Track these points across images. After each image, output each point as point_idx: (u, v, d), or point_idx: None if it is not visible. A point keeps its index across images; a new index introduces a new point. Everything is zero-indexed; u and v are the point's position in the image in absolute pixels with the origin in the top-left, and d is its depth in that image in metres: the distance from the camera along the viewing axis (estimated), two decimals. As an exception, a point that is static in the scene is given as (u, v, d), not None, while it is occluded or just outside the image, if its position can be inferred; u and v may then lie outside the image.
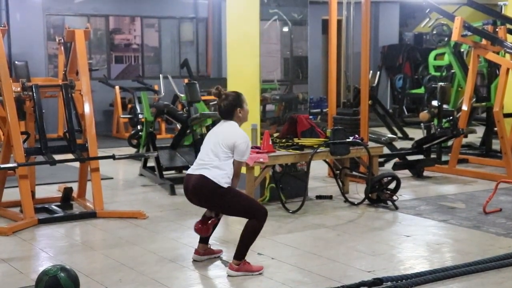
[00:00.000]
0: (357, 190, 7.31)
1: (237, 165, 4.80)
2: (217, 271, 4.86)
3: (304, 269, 4.85)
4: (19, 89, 6.68)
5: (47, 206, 6.80)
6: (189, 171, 4.84)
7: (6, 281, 4.62)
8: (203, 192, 4.71)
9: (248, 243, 4.73)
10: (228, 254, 5.13)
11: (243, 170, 6.58)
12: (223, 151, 4.73)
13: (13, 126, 6.36)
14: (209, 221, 4.94)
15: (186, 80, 11.89)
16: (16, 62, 11.54)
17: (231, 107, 4.83)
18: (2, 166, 6.40)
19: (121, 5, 14.90)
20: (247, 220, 4.74)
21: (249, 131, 6.89)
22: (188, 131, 8.91)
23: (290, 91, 8.03)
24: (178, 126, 9.64)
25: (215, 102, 13.49)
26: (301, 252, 5.31)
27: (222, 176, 4.69)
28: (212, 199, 4.72)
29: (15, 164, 6.24)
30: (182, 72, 14.66)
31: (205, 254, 5.08)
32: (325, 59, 14.74)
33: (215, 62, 15.78)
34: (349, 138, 7.01)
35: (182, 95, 10.54)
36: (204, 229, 4.94)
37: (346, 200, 7.08)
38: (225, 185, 4.69)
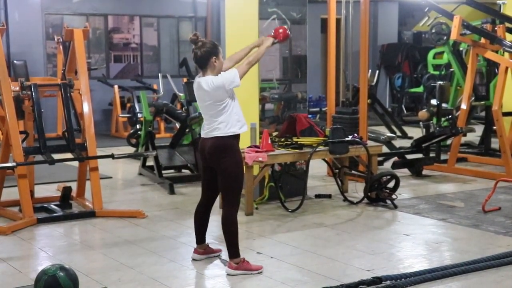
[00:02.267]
0: (356, 189, 7.32)
1: (241, 70, 4.84)
2: (216, 270, 4.86)
3: (303, 268, 4.85)
4: (18, 88, 6.67)
5: (46, 205, 6.79)
6: (202, 135, 4.90)
7: (5, 281, 4.62)
8: (218, 152, 4.73)
9: (233, 239, 4.75)
10: (227, 253, 5.13)
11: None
12: (217, 106, 4.73)
13: (12, 125, 6.35)
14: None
15: (185, 79, 11.87)
16: (15, 61, 11.52)
17: (207, 55, 4.77)
18: (1, 165, 6.40)
19: (120, 4, 14.89)
20: (221, 213, 4.80)
21: (248, 130, 6.88)
22: (187, 130, 8.91)
23: (289, 90, 8.02)
24: (177, 125, 9.64)
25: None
26: (300, 251, 5.31)
27: (232, 125, 4.74)
28: (225, 156, 4.72)
29: (14, 164, 6.24)
30: (181, 71, 14.65)
31: (204, 253, 5.08)
32: (324, 58, 14.73)
33: (214, 61, 15.74)
34: (348, 137, 7.01)
35: (181, 94, 10.55)
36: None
37: (345, 199, 7.08)
38: (238, 131, 4.75)
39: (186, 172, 8.91)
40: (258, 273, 4.71)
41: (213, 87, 4.69)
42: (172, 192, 7.64)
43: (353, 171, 7.71)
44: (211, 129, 4.78)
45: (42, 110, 6.81)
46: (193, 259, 5.05)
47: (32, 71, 11.63)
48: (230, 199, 4.77)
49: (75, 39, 6.92)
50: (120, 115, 13.25)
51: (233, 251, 4.73)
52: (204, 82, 4.74)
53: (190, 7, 15.70)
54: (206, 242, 5.15)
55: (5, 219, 6.37)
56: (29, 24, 13.45)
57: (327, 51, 8.74)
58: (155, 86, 13.64)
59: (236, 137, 4.80)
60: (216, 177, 4.85)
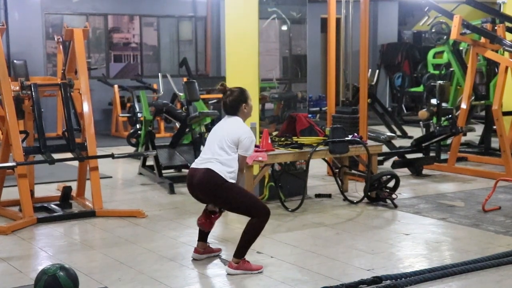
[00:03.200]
0: (356, 189, 7.32)
1: (241, 159, 4.83)
2: (216, 269, 4.86)
3: (303, 267, 4.85)
4: (18, 88, 6.67)
5: (46, 205, 6.79)
6: (193, 166, 4.84)
7: (6, 280, 4.62)
8: (208, 186, 4.70)
9: (249, 242, 4.73)
10: (227, 252, 5.14)
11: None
12: (228, 146, 4.74)
13: (12, 125, 6.35)
14: (213, 216, 4.95)
15: (185, 79, 11.88)
16: (15, 61, 11.53)
17: (236, 103, 4.86)
18: (1, 165, 6.39)
19: (120, 4, 14.89)
20: (248, 218, 4.74)
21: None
22: (187, 130, 8.91)
23: (289, 89, 8.04)
24: (177, 125, 9.64)
25: (214, 100, 13.58)
26: (300, 251, 5.31)
27: (228, 171, 4.70)
28: (216, 194, 4.71)
29: (14, 163, 6.23)
30: (181, 71, 14.66)
31: (204, 252, 5.08)
32: (324, 57, 14.72)
33: (214, 60, 15.77)
34: (348, 137, 7.01)
35: (181, 94, 10.54)
36: (207, 223, 4.97)
37: (345, 199, 7.08)
38: (231, 180, 4.70)
39: (186, 171, 8.90)
40: (259, 272, 4.71)
41: (237, 133, 4.76)
42: (172, 191, 7.64)
43: (353, 171, 7.71)
44: (205, 160, 4.74)
45: (42, 110, 6.82)
46: (193, 259, 5.05)
47: (32, 71, 11.65)
48: (251, 212, 4.73)
49: (75, 38, 6.92)
50: (120, 115, 13.25)
51: (242, 252, 4.72)
52: (235, 121, 4.84)
53: (190, 6, 15.70)
54: (207, 242, 5.15)
55: (5, 219, 6.37)
56: (29, 24, 13.46)
57: (327, 50, 8.73)
58: (155, 86, 13.64)
59: (225, 181, 4.70)
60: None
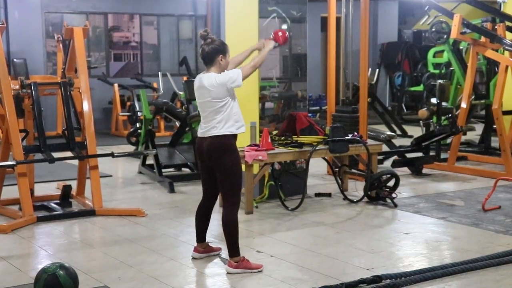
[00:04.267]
0: (356, 188, 7.32)
1: (245, 71, 4.84)
2: (216, 268, 4.86)
3: (303, 266, 4.85)
4: (17, 87, 6.67)
5: (46, 204, 6.79)
6: (199, 135, 4.89)
7: (5, 279, 4.62)
8: (217, 150, 4.73)
9: (234, 238, 4.75)
10: (228, 252, 5.12)
11: (242, 167, 6.59)
12: (217, 104, 4.72)
13: (11, 124, 6.35)
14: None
15: (185, 78, 11.87)
16: (15, 59, 11.54)
17: (214, 52, 4.78)
18: (1, 164, 6.39)
19: (120, 3, 14.88)
20: (222, 212, 4.80)
21: (248, 128, 6.89)
22: (187, 128, 8.91)
23: (289, 88, 8.02)
24: (177, 123, 9.64)
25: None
26: (300, 250, 5.31)
27: (230, 125, 4.73)
28: (223, 158, 4.72)
29: (14, 162, 6.23)
30: (181, 69, 14.66)
31: (204, 252, 5.08)
32: (324, 56, 14.73)
33: (214, 59, 15.74)
34: (348, 136, 7.01)
35: (181, 93, 10.54)
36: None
37: (345, 198, 7.08)
38: (236, 131, 4.74)
39: (186, 170, 8.91)
40: (258, 271, 4.71)
41: (215, 84, 4.69)
42: (172, 190, 7.64)
43: (353, 170, 7.72)
44: (208, 128, 4.77)
45: (42, 109, 6.82)
46: (193, 258, 5.05)
47: (32, 70, 11.66)
48: (230, 198, 4.77)
49: (75, 37, 6.91)
50: (120, 114, 13.25)
51: (234, 250, 4.73)
52: (207, 78, 4.74)
53: (190, 5, 15.69)
54: (206, 241, 5.15)
55: (5, 218, 6.38)
56: (29, 23, 13.45)
57: (327, 49, 8.73)
58: (155, 85, 13.64)
59: (234, 137, 4.79)
60: (215, 176, 4.85)
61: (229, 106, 4.75)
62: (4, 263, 5.00)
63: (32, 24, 13.52)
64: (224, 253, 5.13)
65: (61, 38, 11.18)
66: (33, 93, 6.62)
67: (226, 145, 4.73)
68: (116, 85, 13.60)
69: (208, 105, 4.76)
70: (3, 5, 13.32)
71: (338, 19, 8.77)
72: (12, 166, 6.31)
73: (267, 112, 7.77)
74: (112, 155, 6.89)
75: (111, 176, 8.70)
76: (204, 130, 4.82)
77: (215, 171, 4.81)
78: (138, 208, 6.59)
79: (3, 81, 6.44)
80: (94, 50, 14.97)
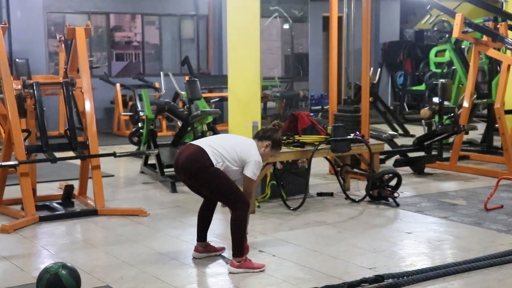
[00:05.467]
0: (358, 187, 7.31)
1: (246, 181, 4.79)
2: (218, 268, 4.86)
3: (305, 266, 4.85)
4: (20, 86, 6.67)
5: (48, 203, 6.80)
6: (189, 141, 4.90)
7: (8, 279, 4.62)
8: (193, 165, 4.68)
9: (240, 238, 4.74)
10: (230, 251, 5.12)
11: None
12: (233, 155, 4.73)
13: (14, 124, 6.36)
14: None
15: (187, 78, 11.88)
16: (17, 59, 11.53)
17: (266, 136, 4.90)
18: (3, 163, 6.40)
19: (122, 3, 14.89)
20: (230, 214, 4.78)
21: (249, 128, 6.89)
22: (189, 128, 8.90)
23: (290, 88, 8.03)
24: (179, 123, 9.64)
25: (216, 99, 13.56)
26: (302, 249, 5.31)
27: (219, 162, 4.69)
28: (199, 174, 4.68)
29: (16, 162, 6.24)
30: (182, 69, 14.66)
31: (205, 251, 5.08)
32: (325, 56, 14.73)
33: (216, 59, 15.77)
34: (350, 135, 7.00)
35: (183, 93, 10.54)
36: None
37: (347, 197, 7.07)
38: (217, 166, 4.68)
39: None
40: (260, 271, 4.71)
41: (241, 156, 4.75)
42: (174, 190, 7.64)
43: (355, 169, 7.71)
44: (206, 144, 4.78)
45: (44, 109, 6.81)
46: (193, 257, 5.05)
47: (34, 70, 11.64)
48: (232, 204, 4.76)
49: (77, 37, 6.91)
50: (122, 114, 13.25)
51: (237, 250, 4.73)
52: (247, 144, 4.84)
53: (192, 5, 15.70)
54: (207, 241, 5.14)
55: (8, 217, 6.38)
56: (31, 23, 13.46)
57: (329, 49, 8.73)
58: (157, 85, 13.64)
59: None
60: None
61: (232, 166, 4.75)
62: (7, 262, 5.01)
63: (34, 24, 13.52)
64: (227, 253, 5.12)
65: (63, 38, 11.20)
66: (35, 93, 6.62)
67: (207, 162, 4.69)
68: (118, 85, 13.61)
69: (227, 145, 4.78)
70: (5, 5, 13.33)
71: (340, 19, 8.76)
72: (14, 166, 6.31)
73: (269, 112, 7.78)
74: (114, 155, 6.90)
75: (113, 176, 8.71)
76: (197, 142, 4.89)
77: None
78: (140, 208, 6.60)
79: (5, 81, 6.44)
80: (96, 50, 14.98)
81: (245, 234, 4.82)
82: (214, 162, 4.67)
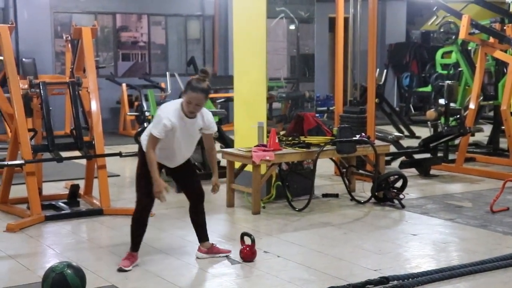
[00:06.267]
0: (364, 189, 7.30)
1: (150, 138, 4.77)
2: (223, 268, 4.85)
3: (310, 267, 4.84)
4: (26, 86, 6.69)
5: (54, 203, 6.81)
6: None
7: (13, 278, 4.63)
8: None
9: (131, 232, 4.91)
10: (234, 252, 5.13)
11: (249, 168, 6.60)
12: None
13: (20, 123, 6.37)
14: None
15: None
16: (24, 59, 11.57)
17: (187, 86, 4.70)
18: (10, 163, 6.42)
19: (128, 3, 14.92)
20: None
21: (255, 129, 6.89)
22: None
23: (296, 89, 8.02)
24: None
25: (222, 99, 13.57)
26: (307, 250, 5.31)
27: (144, 138, 4.80)
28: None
29: (22, 161, 6.26)
30: (188, 69, 14.67)
31: (208, 252, 5.06)
32: (331, 57, 14.72)
33: (222, 59, 15.77)
34: (355, 136, 7.00)
35: (188, 93, 10.54)
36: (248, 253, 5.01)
37: (353, 199, 7.06)
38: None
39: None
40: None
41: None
42: (179, 190, 7.61)
43: (360, 171, 7.70)
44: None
45: (51, 108, 6.83)
46: (196, 257, 5.05)
47: (40, 69, 11.69)
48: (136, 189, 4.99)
49: (84, 37, 6.93)
50: (128, 113, 13.27)
51: (132, 242, 4.90)
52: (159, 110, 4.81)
53: (198, 5, 15.71)
54: (209, 241, 5.12)
55: (14, 216, 6.40)
56: (37, 23, 13.49)
57: (335, 50, 8.73)
58: (162, 85, 13.66)
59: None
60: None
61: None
62: (13, 261, 5.02)
63: (41, 24, 13.56)
64: (233, 254, 5.12)
65: (69, 38, 11.22)
66: (42, 92, 6.64)
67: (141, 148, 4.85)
68: (124, 85, 13.63)
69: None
70: (12, 4, 13.37)
71: (346, 20, 8.76)
72: (20, 165, 6.33)
73: (274, 112, 7.77)
74: (120, 154, 6.91)
75: (119, 175, 8.72)
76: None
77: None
78: (145, 207, 6.59)
79: (12, 81, 6.46)
80: (102, 50, 15.01)
81: (135, 230, 4.91)
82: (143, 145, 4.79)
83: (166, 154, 4.83)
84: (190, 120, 4.73)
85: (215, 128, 4.99)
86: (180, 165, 4.97)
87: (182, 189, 5.19)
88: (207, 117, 4.85)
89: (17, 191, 7.01)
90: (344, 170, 7.45)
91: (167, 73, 13.34)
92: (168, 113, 4.65)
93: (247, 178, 6.72)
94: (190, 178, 5.05)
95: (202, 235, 5.12)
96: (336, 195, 7.33)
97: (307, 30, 7.94)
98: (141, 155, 4.83)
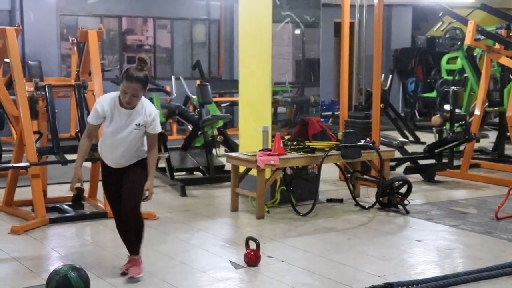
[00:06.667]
0: (368, 194, 7.29)
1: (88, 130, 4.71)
2: (227, 273, 4.85)
3: (314, 272, 4.83)
4: (32, 88, 6.71)
5: (58, 205, 6.81)
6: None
7: (17, 280, 4.64)
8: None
9: (142, 236, 4.80)
10: (238, 256, 5.13)
11: (254, 172, 6.60)
12: None
13: (25, 125, 6.38)
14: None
15: (198, 82, 11.90)
16: (29, 62, 11.59)
17: (122, 75, 4.47)
18: (15, 165, 6.43)
19: (134, 6, 14.95)
20: None
21: (260, 134, 6.89)
22: (199, 132, 8.92)
23: (301, 93, 8.01)
24: (189, 127, 9.66)
25: (227, 103, 13.57)
26: (311, 256, 5.30)
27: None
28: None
29: (27, 164, 6.27)
30: (193, 73, 14.69)
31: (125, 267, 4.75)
32: (337, 61, 14.71)
33: (227, 63, 15.80)
34: (360, 142, 6.99)
35: (194, 97, 10.57)
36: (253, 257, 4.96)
37: (357, 204, 7.05)
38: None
39: (198, 174, 8.91)
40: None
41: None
42: (183, 194, 7.64)
43: (365, 176, 7.69)
44: None
45: (56, 111, 6.84)
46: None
47: (46, 72, 11.70)
48: None
49: (90, 40, 6.95)
50: (133, 117, 13.25)
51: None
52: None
53: (204, 9, 15.74)
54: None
55: (18, 219, 6.41)
56: (43, 25, 13.52)
57: (340, 55, 8.73)
58: (168, 88, 13.68)
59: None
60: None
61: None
62: (17, 264, 5.02)
63: (47, 26, 13.59)
64: (235, 257, 5.11)
65: (75, 40, 11.25)
66: (47, 95, 6.66)
67: None
68: (129, 88, 13.61)
69: None
70: (19, 7, 13.41)
71: (351, 25, 8.76)
72: (25, 168, 6.34)
73: (279, 117, 7.76)
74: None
75: (123, 178, 8.71)
76: None
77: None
78: (149, 211, 6.60)
79: (18, 83, 6.48)
80: (107, 53, 15.04)
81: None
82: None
83: (105, 150, 4.63)
84: (126, 110, 4.47)
85: (158, 129, 4.59)
86: (125, 168, 4.63)
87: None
88: (149, 112, 4.51)
89: (22, 193, 7.02)
90: (349, 175, 7.44)
91: (172, 76, 13.36)
92: (102, 100, 4.52)
93: (251, 182, 6.72)
94: (126, 184, 4.62)
95: (128, 247, 4.82)
96: (341, 200, 7.32)
97: (313, 34, 7.94)
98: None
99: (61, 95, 11.19)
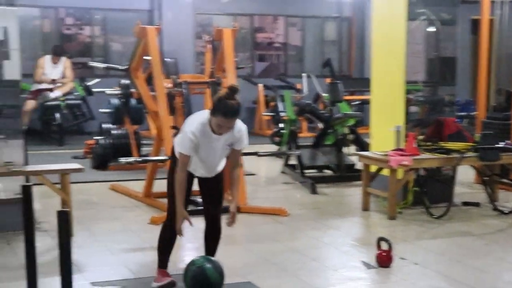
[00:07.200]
0: (508, 199, 6.95)
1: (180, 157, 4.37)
2: (358, 272, 4.79)
3: (448, 276, 4.68)
4: (170, 85, 6.97)
5: (193, 198, 6.97)
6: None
7: (154, 268, 4.82)
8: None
9: (158, 250, 4.67)
10: (369, 256, 5.07)
11: (385, 172, 6.50)
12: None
13: (164, 120, 6.64)
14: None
15: (328, 80, 11.88)
16: (166, 59, 12.05)
17: (217, 109, 4.15)
18: (154, 158, 6.71)
19: (266, 5, 15.16)
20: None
21: (391, 133, 6.77)
22: (329, 130, 8.90)
23: (434, 92, 7.80)
24: (319, 125, 9.66)
25: (358, 102, 13.44)
26: (445, 259, 5.14)
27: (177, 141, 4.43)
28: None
29: (165, 157, 6.52)
30: (323, 71, 14.68)
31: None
32: (473, 60, 14.16)
33: (358, 62, 15.65)
34: (499, 144, 6.69)
35: (324, 95, 10.57)
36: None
37: (495, 208, 6.74)
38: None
39: (328, 172, 8.90)
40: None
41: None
42: (314, 191, 7.65)
43: (504, 180, 7.34)
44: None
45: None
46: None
47: (181, 69, 12.15)
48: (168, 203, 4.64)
49: (224, 38, 7.10)
50: (264, 114, 13.48)
51: (158, 259, 4.65)
52: (187, 125, 4.32)
53: (335, 7, 15.69)
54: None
55: (157, 210, 6.68)
56: (181, 24, 13.99)
57: (478, 53, 8.39)
58: (298, 86, 13.75)
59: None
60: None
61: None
62: (155, 253, 5.23)
63: (184, 25, 14.05)
64: (366, 258, 5.06)
65: (210, 39, 11.57)
66: (184, 91, 6.90)
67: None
68: (260, 85, 13.85)
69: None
70: (158, 6, 13.98)
71: (490, 21, 8.40)
72: (164, 161, 6.59)
73: (411, 116, 7.60)
74: (256, 154, 7.02)
75: (254, 174, 8.88)
76: None
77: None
78: (280, 207, 6.67)
79: (157, 80, 6.75)
80: (239, 50, 15.34)
81: (163, 249, 4.64)
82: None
83: (194, 169, 4.46)
84: (217, 136, 4.25)
85: (246, 144, 4.41)
86: (210, 178, 4.56)
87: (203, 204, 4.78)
88: (239, 128, 4.28)
89: (161, 185, 7.31)
90: (486, 178, 7.13)
91: (303, 74, 13.42)
92: (194, 129, 4.19)
93: (382, 182, 6.62)
94: (213, 195, 4.67)
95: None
96: (477, 204, 7.03)
97: (448, 32, 7.71)
98: (173, 158, 4.46)
99: (196, 92, 11.58)
